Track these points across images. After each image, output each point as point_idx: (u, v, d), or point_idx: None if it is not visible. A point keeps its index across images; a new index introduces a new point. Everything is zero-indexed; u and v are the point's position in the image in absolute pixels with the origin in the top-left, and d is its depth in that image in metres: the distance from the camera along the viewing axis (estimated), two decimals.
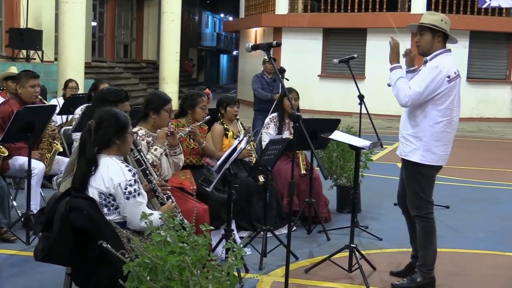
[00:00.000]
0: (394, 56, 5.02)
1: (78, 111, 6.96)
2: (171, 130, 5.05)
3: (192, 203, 5.19)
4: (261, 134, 7.17)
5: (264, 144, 6.66)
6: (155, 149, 4.90)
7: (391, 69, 4.98)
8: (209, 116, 5.97)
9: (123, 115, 3.99)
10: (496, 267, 5.83)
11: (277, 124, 7.02)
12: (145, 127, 5.06)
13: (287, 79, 9.65)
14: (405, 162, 5.03)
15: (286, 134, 6.85)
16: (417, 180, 4.95)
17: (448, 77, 4.77)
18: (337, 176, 7.47)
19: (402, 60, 5.04)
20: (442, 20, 4.85)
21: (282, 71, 9.66)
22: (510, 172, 11.31)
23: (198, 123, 5.82)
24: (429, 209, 5.01)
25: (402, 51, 5.05)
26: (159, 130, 5.07)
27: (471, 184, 9.93)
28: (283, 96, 6.98)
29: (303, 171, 6.82)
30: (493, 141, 16.40)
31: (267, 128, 7.04)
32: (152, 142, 5.00)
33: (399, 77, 4.89)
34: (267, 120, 7.14)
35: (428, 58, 4.89)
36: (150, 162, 4.50)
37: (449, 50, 4.91)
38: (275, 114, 7.13)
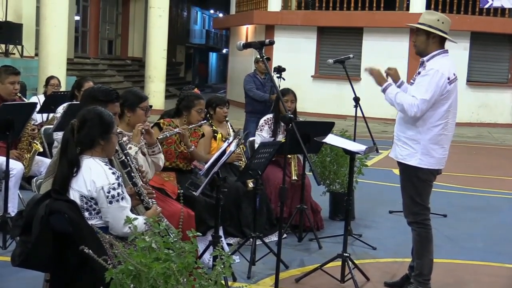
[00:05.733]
0: (379, 79, 5.03)
1: (60, 110, 6.86)
2: (147, 128, 4.88)
3: (176, 206, 5.06)
4: (254, 136, 7.03)
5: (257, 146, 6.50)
6: (129, 148, 4.72)
7: (384, 90, 4.95)
8: (205, 121, 5.86)
9: (108, 115, 3.86)
10: (494, 279, 5.74)
11: (272, 126, 6.87)
12: (120, 126, 4.88)
13: (284, 79, 9.47)
14: (402, 166, 4.96)
15: (281, 138, 6.70)
16: (413, 185, 4.90)
17: (448, 79, 4.75)
18: (330, 181, 7.34)
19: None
20: (439, 20, 4.82)
21: (281, 70, 9.45)
22: (511, 180, 11.21)
23: (190, 126, 5.69)
24: (426, 215, 4.95)
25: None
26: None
27: (470, 192, 9.79)
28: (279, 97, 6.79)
29: (294, 177, 6.64)
30: (493, 148, 16.20)
31: (261, 130, 6.91)
32: (127, 141, 4.84)
33: (395, 92, 4.87)
34: (261, 121, 7.01)
35: (425, 59, 4.86)
36: (136, 166, 4.35)
37: (446, 51, 4.88)
38: (270, 116, 6.99)
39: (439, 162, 4.87)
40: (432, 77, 4.70)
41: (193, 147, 5.76)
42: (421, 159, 4.80)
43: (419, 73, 4.87)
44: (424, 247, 4.94)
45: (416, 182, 4.88)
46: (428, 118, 4.77)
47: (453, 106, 4.84)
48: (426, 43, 4.83)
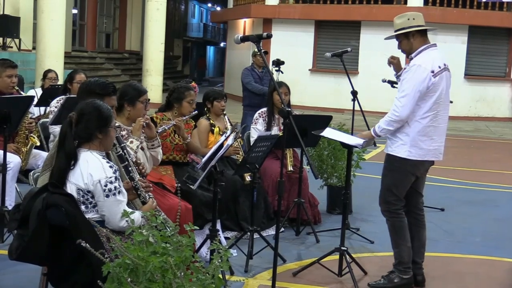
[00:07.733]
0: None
1: (54, 103, 6.84)
2: (147, 121, 4.87)
3: (174, 200, 5.04)
4: (249, 130, 7.03)
5: (252, 140, 6.54)
6: (131, 142, 4.71)
7: (377, 136, 5.03)
8: (196, 111, 5.82)
9: (106, 108, 3.86)
10: (492, 273, 5.73)
11: (266, 119, 6.86)
12: (120, 120, 4.87)
13: (282, 72, 9.45)
14: (389, 157, 5.01)
15: (275, 130, 6.71)
16: (393, 176, 4.98)
17: (432, 71, 4.80)
18: (327, 175, 7.33)
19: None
20: (409, 19, 4.94)
21: (280, 63, 9.45)
22: (508, 174, 11.21)
23: (184, 118, 5.67)
24: (398, 205, 5.01)
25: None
26: (134, 123, 4.91)
27: (468, 186, 9.77)
28: (273, 90, 6.79)
29: (290, 168, 6.65)
30: (491, 142, 16.21)
31: (255, 123, 6.91)
32: (126, 135, 4.83)
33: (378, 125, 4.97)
34: (255, 115, 7.01)
35: (413, 55, 4.95)
36: (133, 160, 4.34)
37: (434, 45, 4.96)
38: (264, 109, 6.98)
39: (428, 153, 4.91)
40: (414, 72, 4.78)
41: (189, 138, 5.76)
42: (410, 151, 4.86)
43: (405, 69, 4.95)
44: (400, 236, 5.01)
45: (397, 173, 4.94)
46: (415, 111, 4.82)
47: (443, 98, 4.89)
48: (409, 44, 4.93)
